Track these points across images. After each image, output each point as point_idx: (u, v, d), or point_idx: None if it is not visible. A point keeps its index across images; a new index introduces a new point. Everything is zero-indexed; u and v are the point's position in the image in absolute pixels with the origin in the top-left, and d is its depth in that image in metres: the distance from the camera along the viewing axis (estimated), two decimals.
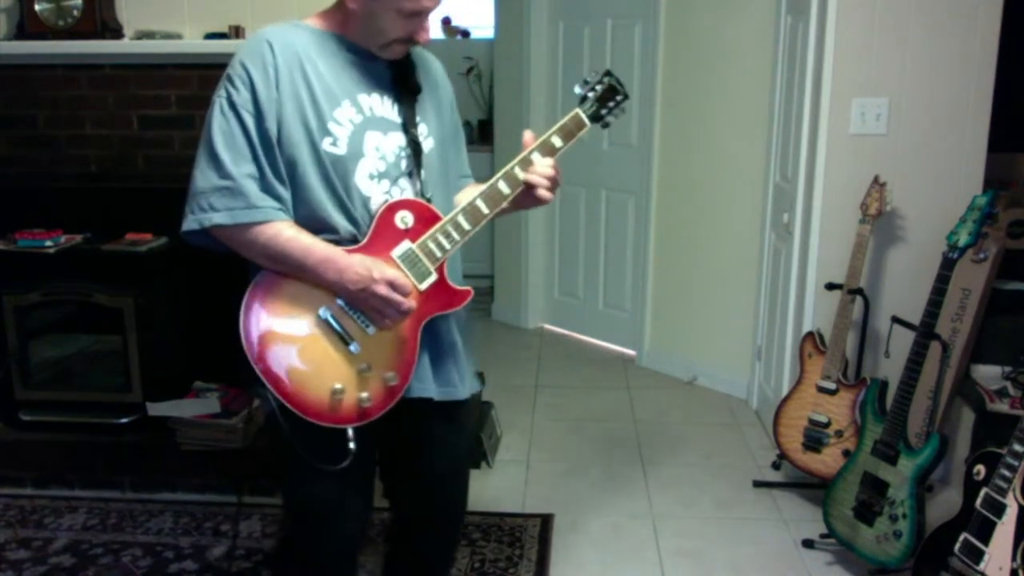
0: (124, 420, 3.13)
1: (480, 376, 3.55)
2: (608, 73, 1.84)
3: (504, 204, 1.73)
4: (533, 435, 3.66)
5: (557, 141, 1.75)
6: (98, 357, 3.36)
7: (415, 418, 1.79)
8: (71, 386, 3.30)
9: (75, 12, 3.05)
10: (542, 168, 1.72)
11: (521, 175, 1.72)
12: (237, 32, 3.08)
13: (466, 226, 1.70)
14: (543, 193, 1.73)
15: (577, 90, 1.83)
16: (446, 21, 6.05)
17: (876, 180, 2.89)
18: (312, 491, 1.77)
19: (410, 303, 1.64)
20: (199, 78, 3.10)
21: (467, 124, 5.82)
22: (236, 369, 1.63)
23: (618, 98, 1.84)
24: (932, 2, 2.94)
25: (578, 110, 1.80)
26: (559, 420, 3.82)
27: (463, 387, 1.84)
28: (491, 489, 3.18)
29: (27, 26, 3.07)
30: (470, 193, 1.77)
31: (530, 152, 1.74)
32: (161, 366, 3.16)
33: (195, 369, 3.24)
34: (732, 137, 3.88)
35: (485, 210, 1.71)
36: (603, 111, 1.82)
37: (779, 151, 3.57)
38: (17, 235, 3.08)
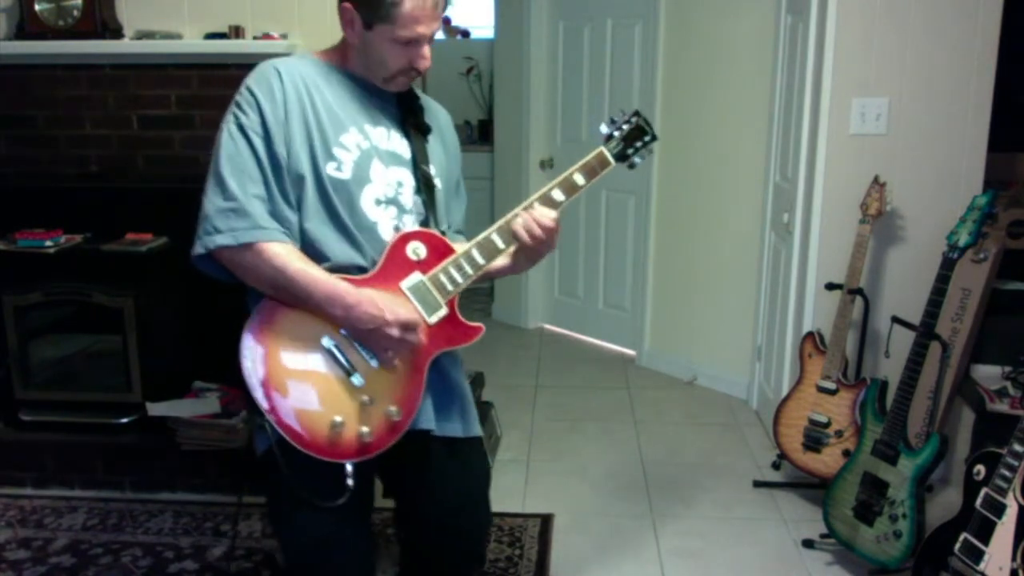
0: (124, 420, 3.13)
1: (480, 376, 3.58)
2: (637, 113, 1.80)
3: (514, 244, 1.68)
4: (533, 435, 3.66)
5: (579, 179, 1.71)
6: (98, 357, 3.36)
7: (419, 457, 1.75)
8: (71, 386, 3.29)
9: (75, 12, 3.05)
10: (538, 219, 1.66)
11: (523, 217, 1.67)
12: (237, 32, 3.07)
13: (480, 260, 1.67)
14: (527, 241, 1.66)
15: (604, 129, 1.79)
16: (446, 21, 6.05)
17: (876, 180, 2.89)
18: (309, 532, 1.69)
19: (419, 338, 1.61)
20: (199, 78, 3.10)
21: (467, 124, 5.83)
22: (234, 375, 1.60)
23: (645, 138, 1.79)
24: (932, 2, 2.94)
25: (603, 148, 1.76)
26: (559, 420, 3.82)
27: (467, 425, 1.80)
28: (491, 489, 3.17)
29: (27, 26, 3.08)
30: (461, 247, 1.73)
31: (549, 189, 1.70)
32: (161, 366, 3.16)
33: (195, 369, 3.24)
34: (732, 137, 3.88)
35: (500, 244, 1.68)
36: (629, 151, 1.78)
37: (779, 151, 3.57)
38: (17, 235, 3.07)
